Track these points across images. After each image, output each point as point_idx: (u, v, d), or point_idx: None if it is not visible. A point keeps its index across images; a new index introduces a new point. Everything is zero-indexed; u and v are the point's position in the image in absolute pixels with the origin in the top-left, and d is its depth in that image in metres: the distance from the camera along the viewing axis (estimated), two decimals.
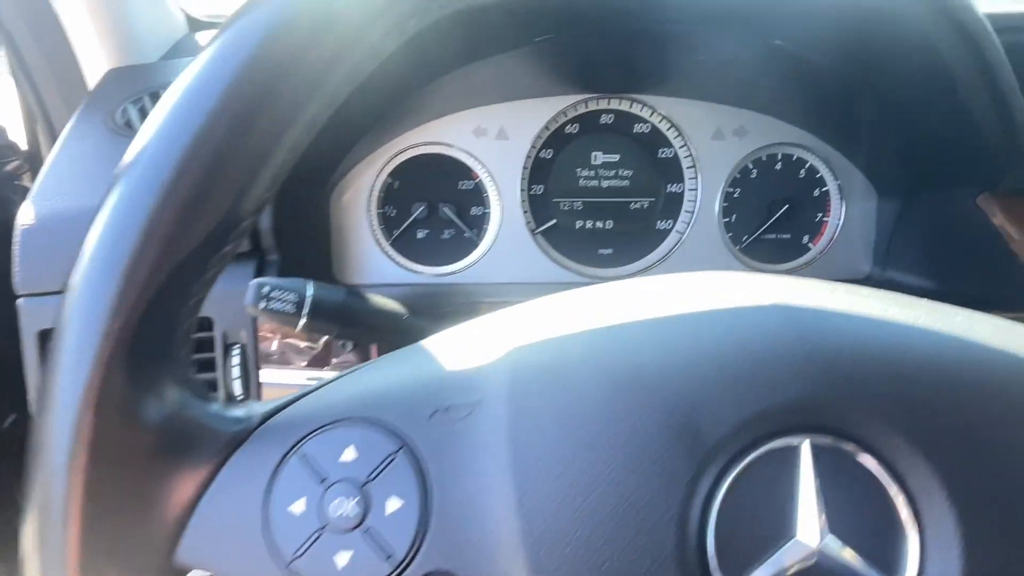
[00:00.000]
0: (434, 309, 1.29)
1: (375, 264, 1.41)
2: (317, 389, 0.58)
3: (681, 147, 1.42)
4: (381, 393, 0.56)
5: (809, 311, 0.53)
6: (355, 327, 0.84)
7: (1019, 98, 1.00)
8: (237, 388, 1.06)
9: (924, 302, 0.58)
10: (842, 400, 0.48)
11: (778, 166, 1.43)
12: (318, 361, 1.14)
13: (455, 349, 0.58)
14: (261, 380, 1.07)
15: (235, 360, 1.05)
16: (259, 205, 0.51)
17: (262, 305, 0.80)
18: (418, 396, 0.55)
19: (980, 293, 1.14)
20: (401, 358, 0.59)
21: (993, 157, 1.09)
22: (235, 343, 1.05)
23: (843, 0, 0.93)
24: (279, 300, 0.80)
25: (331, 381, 0.58)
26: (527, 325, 0.58)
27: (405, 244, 1.42)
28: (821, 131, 1.40)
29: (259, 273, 1.06)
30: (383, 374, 0.58)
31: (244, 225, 0.51)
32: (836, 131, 1.39)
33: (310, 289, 0.82)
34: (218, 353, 1.05)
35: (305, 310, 0.81)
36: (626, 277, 1.51)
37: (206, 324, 1.03)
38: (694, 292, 0.58)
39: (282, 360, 1.11)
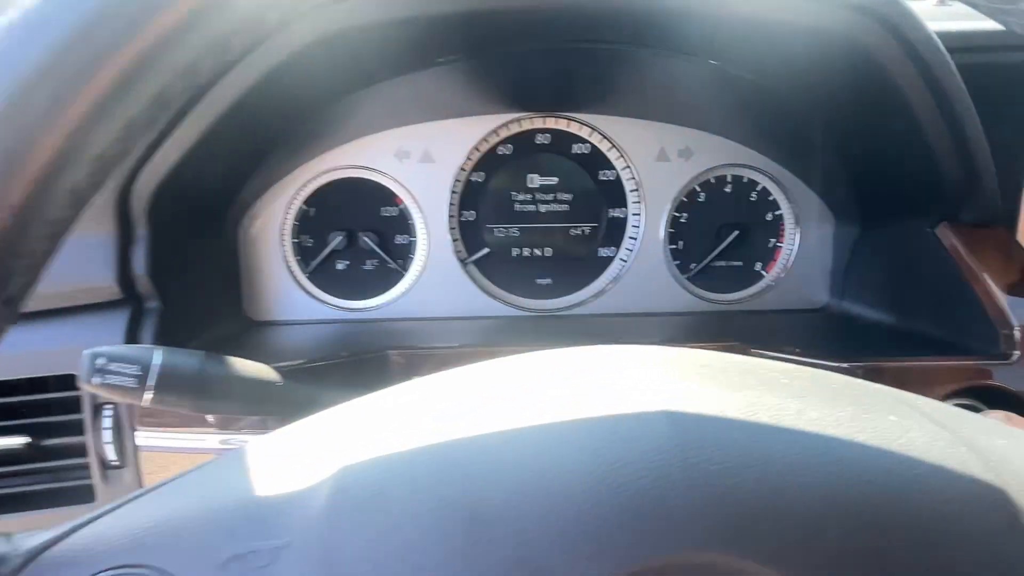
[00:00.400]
0: (354, 348, 1.17)
1: (290, 299, 1.29)
2: (96, 519, 0.46)
3: (623, 169, 1.31)
4: (170, 531, 0.44)
5: (695, 436, 0.42)
6: (215, 400, 0.72)
7: (976, 125, 0.91)
8: (110, 453, 0.94)
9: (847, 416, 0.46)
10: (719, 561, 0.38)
11: (727, 188, 1.33)
12: (225, 421, 1.01)
13: (267, 467, 0.46)
14: (138, 443, 0.94)
15: (106, 422, 0.93)
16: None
17: (96, 380, 0.67)
18: (213, 537, 0.43)
19: (938, 333, 1.04)
20: (202, 479, 0.47)
21: (951, 187, 1.00)
22: (106, 402, 0.93)
23: (772, 19, 0.83)
24: (118, 373, 0.68)
25: (115, 508, 0.47)
26: (357, 434, 0.46)
27: (323, 277, 1.30)
28: (773, 151, 1.30)
29: (133, 324, 0.94)
30: (176, 504, 0.46)
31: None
32: (789, 151, 1.29)
33: (157, 357, 0.70)
34: (86, 414, 0.93)
35: (151, 382, 0.69)
36: (566, 308, 1.41)
37: (69, 382, 0.90)
38: (566, 388, 0.47)
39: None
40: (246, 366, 0.75)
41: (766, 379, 0.50)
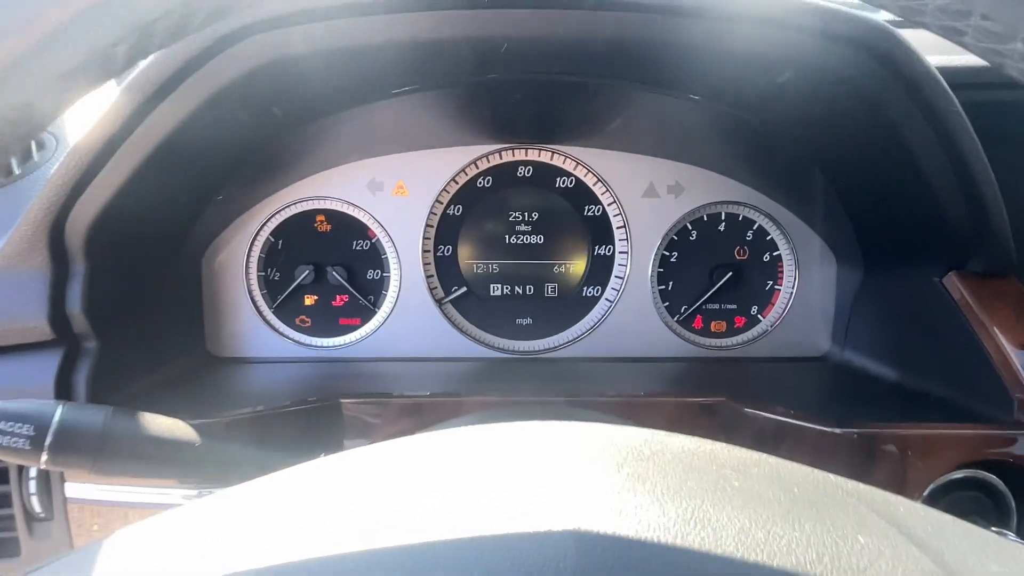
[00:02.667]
0: (319, 390, 1.10)
1: (255, 335, 1.22)
2: None
3: (610, 204, 1.24)
4: None
5: (602, 564, 0.34)
6: (120, 461, 0.65)
7: (985, 167, 0.82)
8: (37, 506, 0.87)
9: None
10: None
11: (721, 227, 1.25)
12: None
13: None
14: (68, 496, 0.87)
15: (32, 471, 0.86)
16: None
17: None
18: None
19: (946, 394, 0.95)
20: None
21: (959, 233, 0.91)
22: None
23: (759, 53, 0.76)
24: (10, 433, 0.61)
25: None
26: (225, 536, 0.39)
27: (290, 312, 1.23)
28: (770, 188, 1.22)
29: (66, 367, 0.87)
30: None
31: None
32: (787, 188, 1.21)
33: (57, 414, 0.63)
34: (11, 464, 0.86)
35: (47, 441, 0.62)
36: (546, 351, 1.32)
37: None
38: (472, 489, 0.39)
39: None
40: (160, 425, 0.68)
41: (713, 480, 0.42)
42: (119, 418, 0.66)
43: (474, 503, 0.38)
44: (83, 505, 0.89)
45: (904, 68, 0.73)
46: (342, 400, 0.94)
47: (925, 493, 0.85)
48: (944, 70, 0.77)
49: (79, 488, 0.89)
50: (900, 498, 0.44)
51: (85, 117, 0.82)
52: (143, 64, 0.76)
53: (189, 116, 0.79)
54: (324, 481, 0.42)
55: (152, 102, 0.77)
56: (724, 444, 0.49)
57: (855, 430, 0.85)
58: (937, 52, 0.86)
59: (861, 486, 0.45)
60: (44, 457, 0.62)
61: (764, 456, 0.47)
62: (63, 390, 0.87)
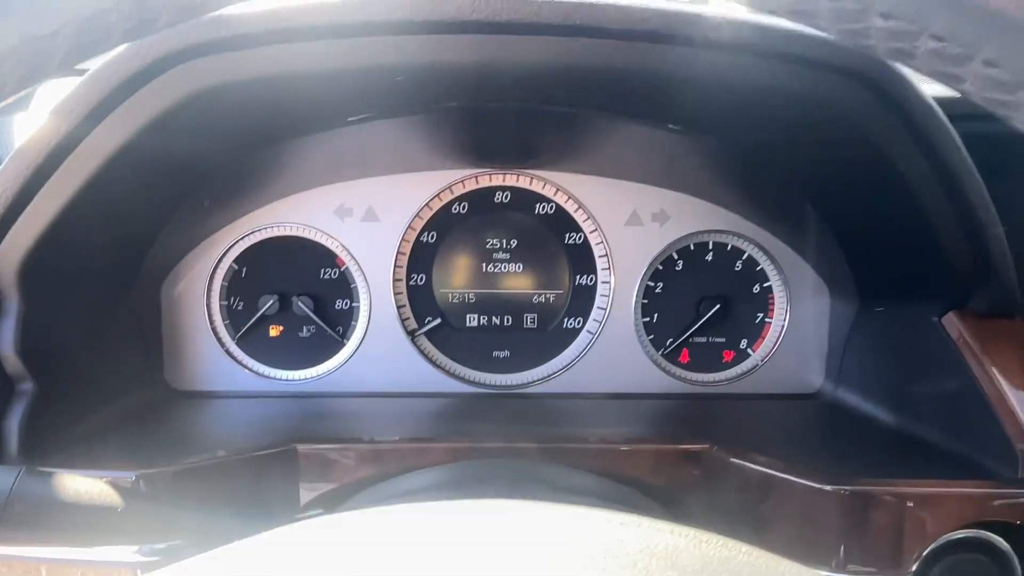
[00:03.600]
0: (282, 429, 1.04)
1: (217, 367, 1.16)
2: None
3: (591, 232, 1.18)
4: None
5: None
6: (30, 531, 0.58)
7: (986, 202, 0.76)
8: None
9: None
10: None
11: (708, 257, 1.19)
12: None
13: None
14: None
15: None
16: None
17: None
18: None
19: (944, 442, 0.88)
20: None
21: (959, 271, 0.85)
22: None
23: (746, 84, 0.70)
24: None
25: None
26: None
27: (254, 344, 1.17)
28: (760, 217, 1.16)
29: None
30: None
31: None
32: (778, 217, 1.15)
33: None
34: None
35: None
36: (524, 385, 1.25)
37: None
38: None
39: None
40: (79, 487, 0.62)
41: None
42: (30, 481, 0.59)
43: None
44: (8, 562, 0.82)
45: (898, 98, 0.68)
46: (298, 446, 0.88)
47: (924, 554, 0.78)
48: (942, 101, 0.71)
49: (9, 546, 0.82)
50: None
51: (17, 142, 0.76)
52: (73, 87, 0.71)
53: (129, 141, 0.73)
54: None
55: (84, 126, 0.71)
56: (689, 536, 0.42)
57: (847, 487, 0.78)
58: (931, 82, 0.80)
59: None
60: None
61: (732, 554, 0.41)
62: None
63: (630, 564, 0.37)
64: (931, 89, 0.70)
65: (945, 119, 0.70)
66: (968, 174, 0.73)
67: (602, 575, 0.36)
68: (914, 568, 0.77)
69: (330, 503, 0.86)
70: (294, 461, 0.89)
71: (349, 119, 0.88)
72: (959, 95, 0.83)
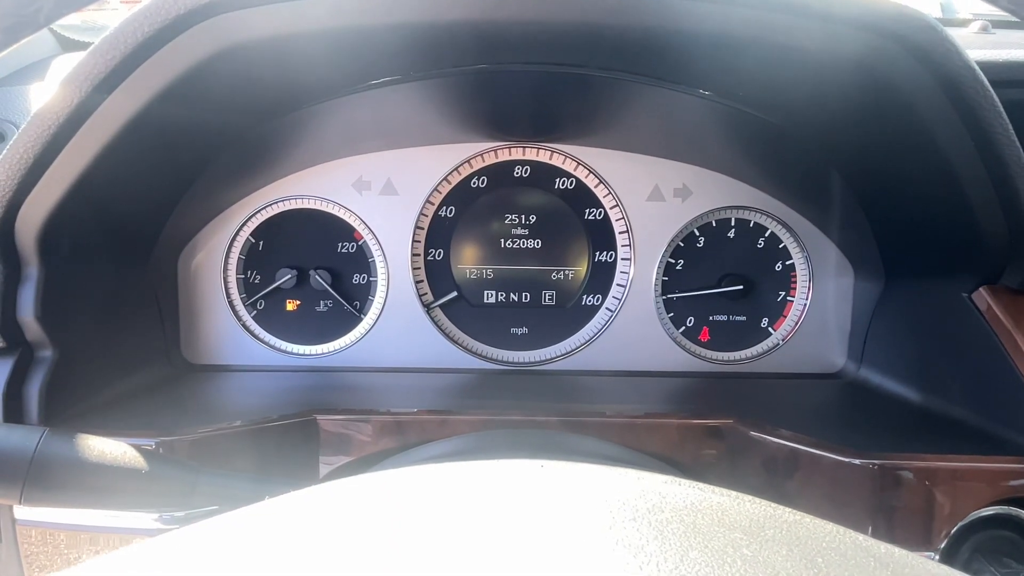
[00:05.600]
0: (299, 402, 1.03)
1: (233, 341, 1.16)
2: None
3: (612, 208, 1.16)
4: None
5: None
6: (56, 491, 0.57)
7: None
8: None
9: None
10: None
11: (730, 233, 1.17)
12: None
13: None
14: (18, 518, 0.80)
15: None
16: None
17: None
18: None
19: (973, 419, 0.87)
20: None
21: (993, 245, 0.83)
22: None
23: (779, 43, 0.68)
24: None
25: None
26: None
27: (271, 318, 1.16)
28: (783, 193, 1.14)
29: (16, 377, 0.81)
30: None
31: None
32: (802, 193, 1.13)
33: None
34: None
35: None
36: (542, 363, 1.25)
37: None
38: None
39: None
40: (103, 448, 0.61)
41: (720, 549, 0.34)
42: (54, 441, 0.59)
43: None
44: (34, 528, 0.82)
45: (942, 63, 0.65)
46: (317, 416, 0.87)
47: (953, 531, 0.77)
48: (985, 65, 0.69)
49: (30, 511, 0.82)
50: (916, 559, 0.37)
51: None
52: (83, 54, 0.69)
53: (146, 107, 0.72)
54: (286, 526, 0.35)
55: (97, 95, 0.70)
56: (732, 495, 0.41)
57: (875, 461, 0.77)
58: (972, 48, 0.78)
59: (896, 552, 0.37)
60: None
61: (779, 512, 0.40)
62: (13, 403, 0.80)
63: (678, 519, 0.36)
64: (974, 54, 0.68)
65: (989, 87, 0.68)
66: (1008, 141, 0.71)
67: (655, 531, 0.34)
68: (943, 545, 0.76)
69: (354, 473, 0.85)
70: (314, 432, 0.88)
71: (370, 82, 0.86)
72: (1000, 63, 0.80)
